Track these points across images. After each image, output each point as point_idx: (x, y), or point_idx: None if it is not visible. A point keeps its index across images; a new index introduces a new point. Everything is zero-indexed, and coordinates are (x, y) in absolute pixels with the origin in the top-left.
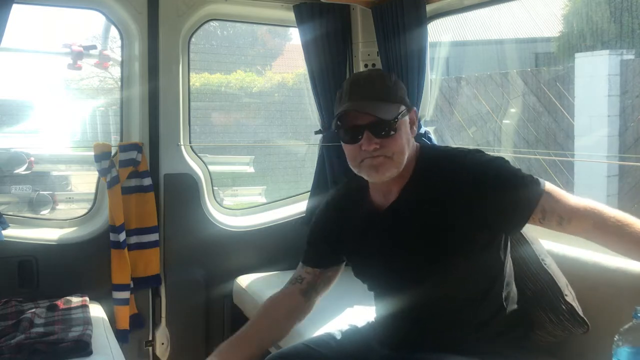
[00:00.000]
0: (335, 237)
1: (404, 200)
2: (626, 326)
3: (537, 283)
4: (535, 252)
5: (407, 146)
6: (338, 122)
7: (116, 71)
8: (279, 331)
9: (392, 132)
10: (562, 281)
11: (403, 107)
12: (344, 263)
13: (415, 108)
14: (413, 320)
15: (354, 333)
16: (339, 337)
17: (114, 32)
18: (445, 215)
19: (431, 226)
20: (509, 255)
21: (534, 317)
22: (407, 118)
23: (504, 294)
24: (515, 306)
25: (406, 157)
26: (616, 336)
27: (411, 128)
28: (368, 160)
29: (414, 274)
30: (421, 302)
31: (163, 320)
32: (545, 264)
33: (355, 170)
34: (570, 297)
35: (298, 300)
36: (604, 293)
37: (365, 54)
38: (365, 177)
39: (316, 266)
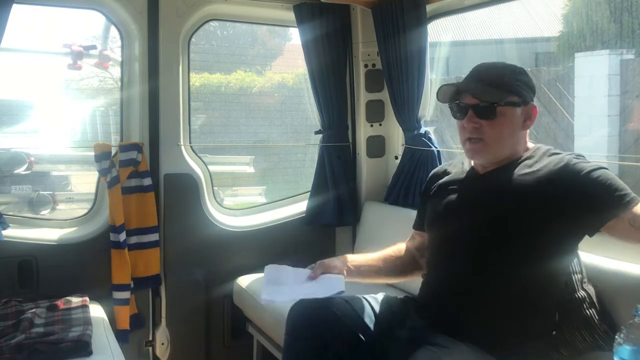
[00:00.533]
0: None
1: (500, 173)
2: (627, 324)
3: (575, 301)
4: (581, 267)
5: (509, 136)
6: (456, 100)
7: (116, 71)
8: (401, 269)
9: (492, 117)
10: (597, 299)
11: (515, 98)
12: None
13: (534, 105)
14: (452, 290)
15: (387, 303)
16: (372, 302)
17: (114, 32)
18: (527, 203)
19: (511, 207)
20: (564, 273)
21: (565, 335)
22: (517, 110)
23: (547, 304)
24: (551, 318)
25: (506, 146)
26: (617, 334)
27: (524, 122)
28: (468, 144)
29: (473, 243)
30: (467, 274)
31: (163, 320)
32: (585, 281)
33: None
34: (604, 315)
35: (413, 256)
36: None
37: (365, 54)
38: (466, 156)
39: (421, 230)
